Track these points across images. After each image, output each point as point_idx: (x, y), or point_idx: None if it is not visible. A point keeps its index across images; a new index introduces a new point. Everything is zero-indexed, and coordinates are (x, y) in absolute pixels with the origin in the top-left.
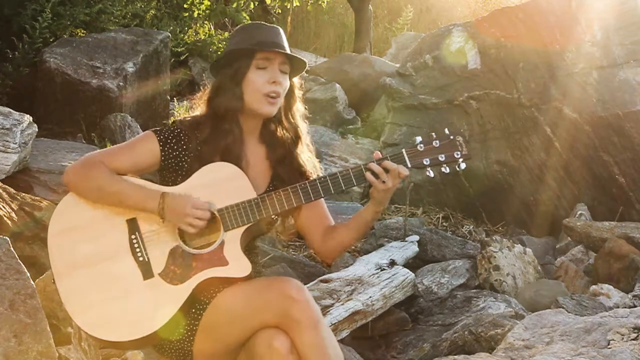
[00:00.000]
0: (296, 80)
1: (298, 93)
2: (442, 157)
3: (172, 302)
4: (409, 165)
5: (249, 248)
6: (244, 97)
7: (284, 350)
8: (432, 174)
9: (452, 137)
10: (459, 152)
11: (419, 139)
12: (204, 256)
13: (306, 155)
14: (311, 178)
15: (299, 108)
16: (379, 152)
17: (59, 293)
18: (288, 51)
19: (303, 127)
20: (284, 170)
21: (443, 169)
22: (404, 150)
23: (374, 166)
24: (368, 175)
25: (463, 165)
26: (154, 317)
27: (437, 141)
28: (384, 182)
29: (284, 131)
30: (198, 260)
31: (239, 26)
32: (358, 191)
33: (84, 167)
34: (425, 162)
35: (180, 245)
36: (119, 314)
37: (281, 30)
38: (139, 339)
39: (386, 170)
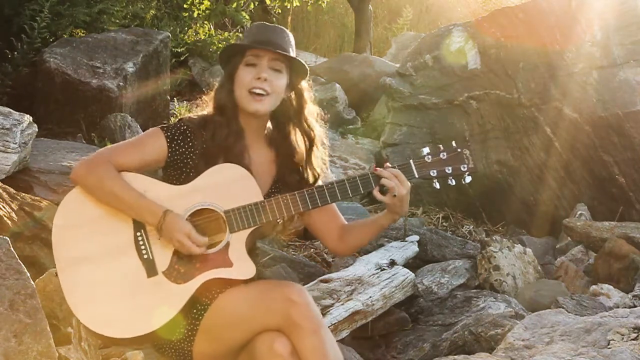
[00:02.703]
0: (304, 83)
1: (308, 95)
2: (448, 170)
3: (174, 301)
4: (417, 176)
5: (249, 249)
6: (235, 93)
7: (285, 353)
8: (438, 186)
9: (459, 150)
10: (465, 165)
11: (426, 150)
12: (209, 257)
13: (319, 156)
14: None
15: (311, 110)
16: (388, 164)
17: (62, 287)
18: (288, 52)
19: (317, 128)
20: (289, 175)
21: (449, 181)
22: (411, 160)
23: (382, 171)
24: (376, 193)
25: (469, 179)
26: (156, 315)
27: (444, 153)
28: (394, 196)
29: (299, 135)
30: (202, 261)
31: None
32: None
33: (91, 166)
34: (432, 174)
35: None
36: (120, 311)
37: (286, 31)
38: (139, 337)
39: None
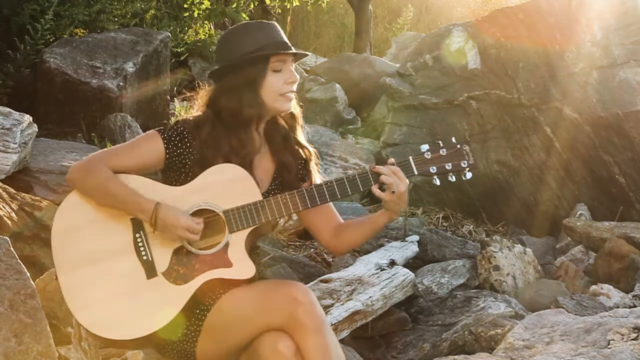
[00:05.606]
0: None
1: None
2: (448, 166)
3: (174, 302)
4: (416, 172)
5: (250, 248)
6: (263, 99)
7: (289, 353)
8: (438, 182)
9: (459, 146)
10: (465, 162)
11: (425, 146)
12: (208, 257)
13: (302, 137)
14: (311, 164)
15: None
16: (392, 159)
17: (61, 289)
18: (292, 48)
19: (297, 109)
20: (284, 157)
21: (449, 178)
22: (410, 157)
23: (381, 168)
24: (375, 190)
25: (469, 175)
26: (156, 316)
27: (444, 149)
28: (393, 192)
29: (282, 119)
30: (202, 261)
31: (234, 26)
32: None
33: (86, 167)
34: (432, 170)
35: (184, 246)
36: (120, 313)
37: (277, 25)
38: (139, 338)
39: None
